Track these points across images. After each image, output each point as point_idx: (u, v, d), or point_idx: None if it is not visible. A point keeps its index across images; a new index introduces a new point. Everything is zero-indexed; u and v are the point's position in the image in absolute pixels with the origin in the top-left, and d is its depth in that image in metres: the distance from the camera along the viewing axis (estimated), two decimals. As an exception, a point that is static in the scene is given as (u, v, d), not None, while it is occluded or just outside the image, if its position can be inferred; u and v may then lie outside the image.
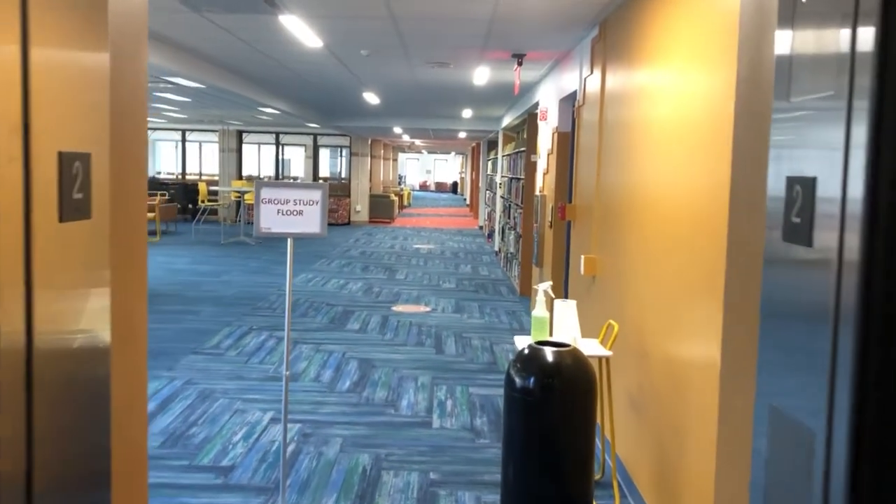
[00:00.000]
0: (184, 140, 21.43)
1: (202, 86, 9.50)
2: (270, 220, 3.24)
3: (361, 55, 6.90)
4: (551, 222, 6.74)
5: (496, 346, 6.83)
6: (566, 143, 6.57)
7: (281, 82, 10.00)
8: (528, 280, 9.32)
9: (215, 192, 18.65)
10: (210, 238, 15.37)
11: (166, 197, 17.48)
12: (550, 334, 4.21)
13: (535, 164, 9.04)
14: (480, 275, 11.36)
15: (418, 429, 4.67)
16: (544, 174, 7.35)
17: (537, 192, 7.69)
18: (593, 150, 4.86)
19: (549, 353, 3.10)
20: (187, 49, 7.54)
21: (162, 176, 25.60)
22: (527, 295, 9.43)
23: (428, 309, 8.48)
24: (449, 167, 51.28)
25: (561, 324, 3.61)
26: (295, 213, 3.28)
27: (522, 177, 9.61)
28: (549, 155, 7.11)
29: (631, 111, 3.91)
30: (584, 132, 5.27)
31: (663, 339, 3.27)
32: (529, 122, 9.26)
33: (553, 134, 6.90)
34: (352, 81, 9.47)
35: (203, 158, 30.30)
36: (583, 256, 4.75)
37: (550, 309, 4.12)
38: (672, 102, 3.22)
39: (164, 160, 31.59)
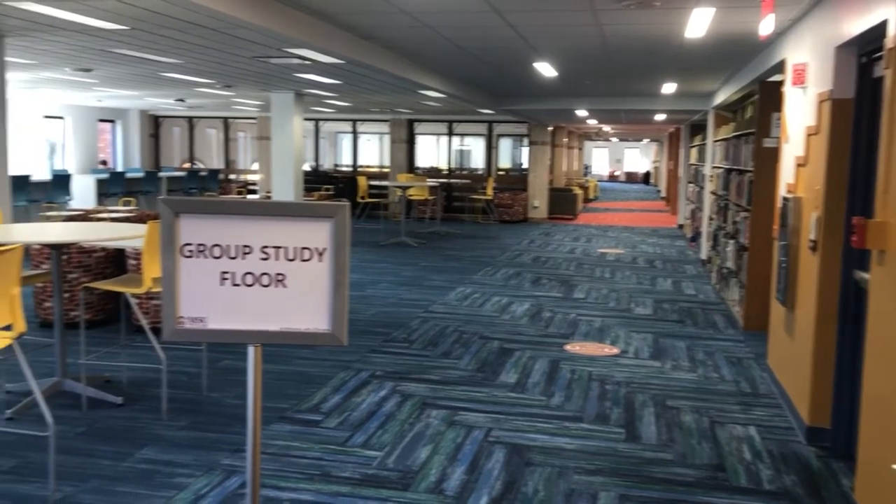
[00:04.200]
0: (354, 131, 20.32)
1: (339, 60, 7.80)
2: (204, 299, 1.24)
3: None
4: (815, 242, 4.28)
5: (720, 429, 4.48)
6: (847, 116, 4.09)
7: (436, 53, 8.09)
8: (758, 312, 6.77)
9: (384, 187, 17.23)
10: (370, 237, 13.88)
11: (331, 192, 16.30)
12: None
13: (771, 150, 6.49)
14: (685, 294, 8.86)
15: None
16: (798, 166, 4.86)
17: (785, 193, 5.19)
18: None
19: None
20: (313, 11, 5.78)
21: (343, 169, 24.86)
22: (754, 329, 6.89)
23: (615, 351, 6.22)
24: (641, 155, 47.74)
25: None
26: (267, 282, 1.25)
27: (749, 168, 7.06)
28: (808, 137, 4.63)
29: None
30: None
31: None
32: (763, 92, 6.69)
33: (819, 104, 4.42)
34: (519, 46, 7.36)
35: (383, 151, 29.46)
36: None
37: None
38: None
39: (347, 153, 31.07)
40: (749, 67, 7.69)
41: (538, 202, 18.49)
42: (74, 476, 3.65)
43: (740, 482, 3.77)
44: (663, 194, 27.74)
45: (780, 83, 6.03)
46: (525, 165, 20.03)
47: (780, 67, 6.07)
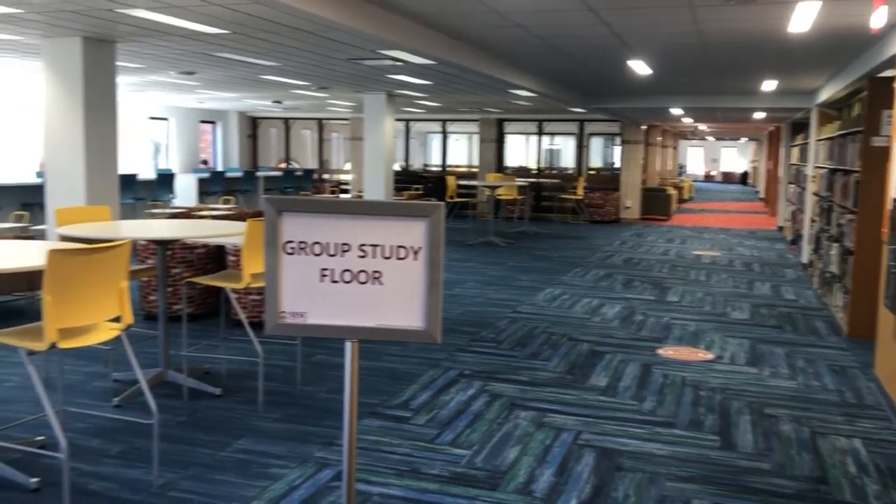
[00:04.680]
0: (444, 131, 20.46)
1: (430, 61, 7.88)
2: (305, 294, 1.28)
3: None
4: (930, 246, 4.04)
5: (821, 440, 4.29)
6: (967, 112, 3.84)
7: (527, 52, 8.05)
8: (864, 319, 6.46)
9: (472, 187, 17.28)
10: (457, 237, 13.94)
11: (420, 191, 16.46)
12: None
13: (880, 149, 6.18)
14: (784, 299, 8.53)
15: None
16: (911, 165, 4.61)
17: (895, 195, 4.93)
18: None
19: None
20: (405, 12, 5.86)
21: (432, 169, 25.12)
22: (859, 337, 6.58)
23: (710, 356, 6.05)
24: (738, 155, 46.23)
25: None
26: (365, 279, 1.28)
27: (856, 169, 6.74)
28: (923, 134, 4.38)
29: None
30: None
31: None
32: (872, 88, 6.38)
33: (935, 99, 4.18)
34: (613, 45, 7.25)
35: (472, 151, 29.57)
36: None
37: None
38: None
39: (436, 153, 31.35)
40: (857, 63, 7.34)
41: (630, 202, 18.16)
42: (176, 463, 3.81)
43: (844, 496, 3.60)
44: (762, 195, 26.82)
45: (892, 79, 5.73)
46: (617, 165, 19.73)
47: (892, 62, 5.77)
